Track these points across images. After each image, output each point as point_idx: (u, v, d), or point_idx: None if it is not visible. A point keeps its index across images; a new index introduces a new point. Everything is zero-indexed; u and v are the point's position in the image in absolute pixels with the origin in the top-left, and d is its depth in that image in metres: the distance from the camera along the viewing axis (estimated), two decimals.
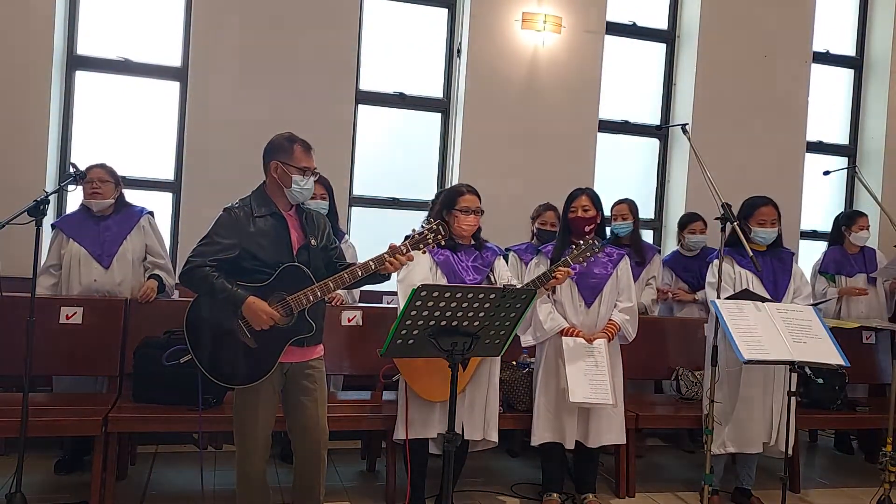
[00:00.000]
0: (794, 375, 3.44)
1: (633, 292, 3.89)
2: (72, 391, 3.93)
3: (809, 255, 6.04)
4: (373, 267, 2.97)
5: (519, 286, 3.50)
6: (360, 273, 2.96)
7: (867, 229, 5.12)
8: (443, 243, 3.16)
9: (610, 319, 3.79)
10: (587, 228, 3.77)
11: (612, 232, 5.06)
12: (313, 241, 3.01)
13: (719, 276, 3.75)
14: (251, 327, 2.84)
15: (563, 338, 3.68)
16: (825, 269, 5.14)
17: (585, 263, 3.65)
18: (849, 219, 5.20)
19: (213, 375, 2.89)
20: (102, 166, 4.05)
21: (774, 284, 3.90)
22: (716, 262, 3.91)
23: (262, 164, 3.01)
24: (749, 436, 3.85)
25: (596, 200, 3.84)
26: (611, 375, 3.64)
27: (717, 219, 3.73)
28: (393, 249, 2.97)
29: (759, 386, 3.84)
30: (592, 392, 3.58)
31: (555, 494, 3.83)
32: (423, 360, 3.29)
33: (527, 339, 3.80)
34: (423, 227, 3.08)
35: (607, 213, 5.10)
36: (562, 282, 3.58)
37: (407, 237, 3.06)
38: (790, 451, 3.82)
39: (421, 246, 3.04)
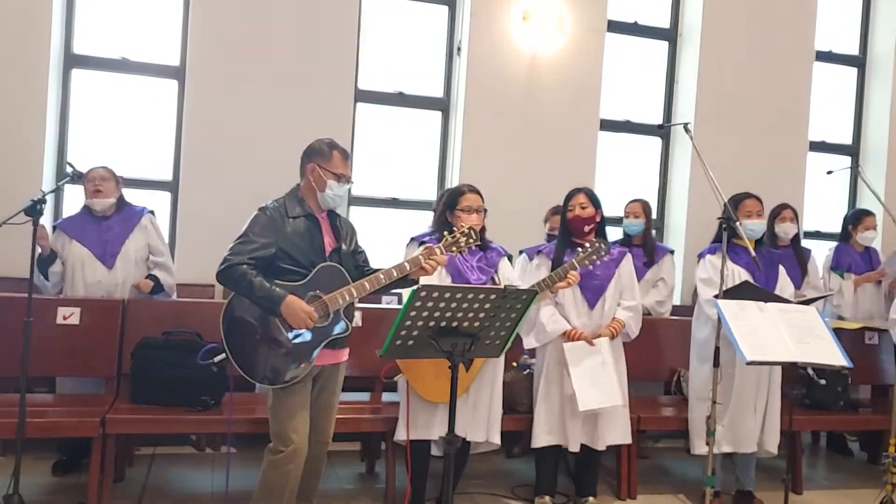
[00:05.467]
0: (780, 377, 3.43)
1: (636, 290, 3.88)
2: (75, 392, 3.90)
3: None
4: (408, 268, 2.97)
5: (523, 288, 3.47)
6: (395, 274, 2.96)
7: (874, 229, 5.16)
8: (473, 247, 3.16)
9: (614, 317, 3.76)
10: (586, 228, 3.74)
11: (623, 230, 5.05)
12: (344, 246, 3.03)
13: (721, 273, 3.71)
14: (289, 327, 2.83)
15: (565, 345, 3.65)
16: (838, 265, 5.17)
17: (591, 266, 3.61)
18: (856, 218, 5.27)
19: (249, 375, 2.87)
20: (103, 167, 4.09)
21: (766, 281, 3.91)
22: (709, 257, 3.92)
23: (300, 166, 3.06)
24: (743, 435, 3.85)
25: (594, 199, 3.79)
26: (616, 374, 3.63)
27: (719, 218, 3.70)
28: (429, 251, 2.98)
29: (752, 386, 3.84)
30: (601, 396, 3.58)
31: (547, 497, 3.81)
32: (426, 360, 3.26)
33: (529, 342, 3.78)
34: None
35: (621, 212, 5.10)
36: (571, 285, 3.55)
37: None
38: (775, 451, 3.86)
39: (454, 249, 3.07)
